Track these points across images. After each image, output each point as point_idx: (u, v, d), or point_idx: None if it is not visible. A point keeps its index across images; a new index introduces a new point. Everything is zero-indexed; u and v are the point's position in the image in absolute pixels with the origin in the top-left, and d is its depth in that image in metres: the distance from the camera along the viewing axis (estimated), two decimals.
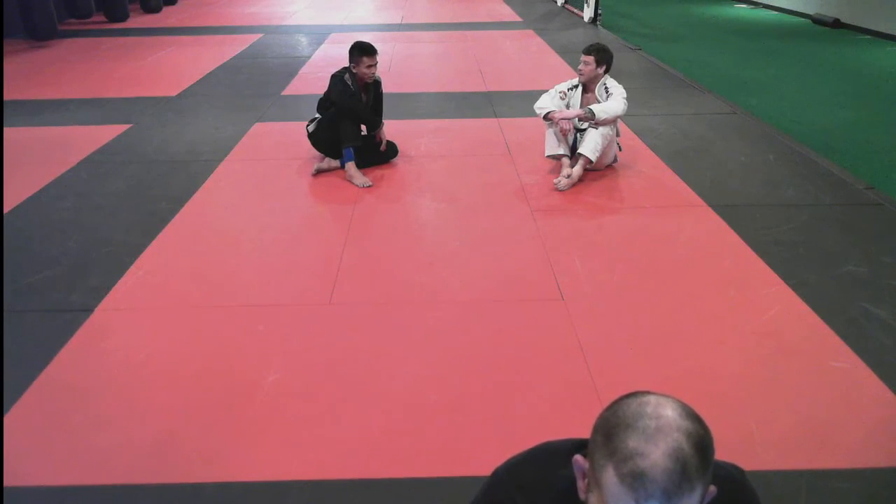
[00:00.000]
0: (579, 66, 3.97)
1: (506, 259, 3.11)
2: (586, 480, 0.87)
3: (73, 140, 4.83)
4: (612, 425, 0.83)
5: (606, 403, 0.88)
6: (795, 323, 2.58)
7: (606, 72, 3.98)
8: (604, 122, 3.86)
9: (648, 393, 0.86)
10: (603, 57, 3.91)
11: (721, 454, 1.94)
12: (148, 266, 3.07)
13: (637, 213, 3.59)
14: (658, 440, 0.79)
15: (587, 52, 3.92)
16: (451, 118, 5.34)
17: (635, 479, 0.78)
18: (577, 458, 0.90)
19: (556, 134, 4.01)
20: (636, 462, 0.78)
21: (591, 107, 3.83)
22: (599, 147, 3.87)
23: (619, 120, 4.05)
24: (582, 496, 0.88)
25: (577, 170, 3.88)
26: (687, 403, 0.85)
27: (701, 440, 0.81)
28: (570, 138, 4.03)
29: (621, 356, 2.32)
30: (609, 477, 0.80)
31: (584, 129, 3.97)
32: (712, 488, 0.85)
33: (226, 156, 4.49)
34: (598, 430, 0.84)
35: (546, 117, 3.96)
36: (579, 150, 3.90)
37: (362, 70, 3.99)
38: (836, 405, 2.13)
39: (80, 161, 4.40)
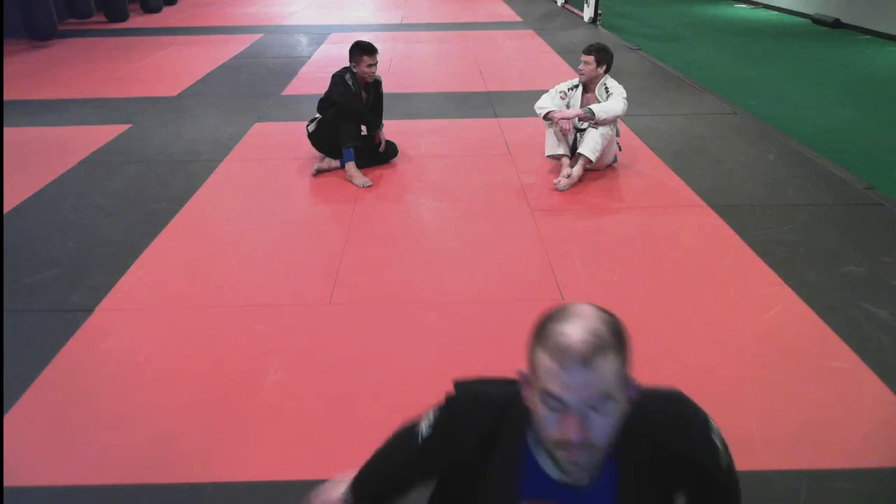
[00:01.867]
0: (579, 66, 3.97)
1: (506, 259, 3.11)
2: (527, 382, 1.03)
3: (73, 140, 4.83)
4: (543, 323, 1.00)
5: None
6: (795, 323, 2.58)
7: (607, 72, 3.98)
8: (604, 122, 3.86)
9: (572, 303, 1.03)
10: (603, 57, 3.91)
11: None
12: (148, 266, 3.07)
13: (637, 213, 3.59)
14: (577, 323, 0.96)
15: (587, 51, 3.92)
16: (451, 118, 5.34)
17: (559, 351, 0.94)
18: (519, 370, 1.05)
19: (556, 134, 4.01)
20: (559, 338, 0.95)
21: (590, 107, 3.83)
22: (599, 147, 3.87)
23: (619, 120, 4.05)
24: (527, 400, 1.03)
25: (577, 170, 3.88)
26: (603, 307, 1.01)
27: (614, 324, 0.99)
28: (570, 138, 4.03)
29: None
30: (540, 357, 0.97)
31: (584, 129, 3.97)
32: (636, 381, 1.02)
33: (226, 156, 4.49)
34: (533, 331, 1.01)
35: (546, 117, 3.96)
36: (579, 150, 3.90)
37: (363, 69, 3.99)
38: (836, 405, 2.13)
39: (80, 161, 4.40)
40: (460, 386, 1.18)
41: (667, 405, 1.15)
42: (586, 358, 0.94)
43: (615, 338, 0.97)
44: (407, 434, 1.26)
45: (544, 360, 0.96)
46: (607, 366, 0.95)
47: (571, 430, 0.95)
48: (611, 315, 1.00)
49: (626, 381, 0.98)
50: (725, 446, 1.17)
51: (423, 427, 1.20)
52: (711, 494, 1.19)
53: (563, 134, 3.96)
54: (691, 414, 1.16)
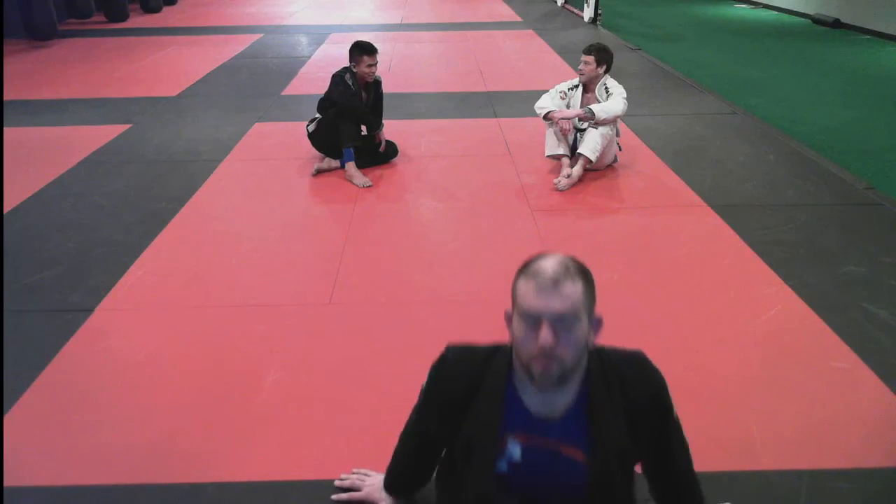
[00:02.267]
0: (579, 66, 3.97)
1: (506, 259, 3.11)
2: (509, 321, 1.23)
3: (73, 140, 4.83)
4: (525, 263, 1.22)
5: None
6: (795, 323, 2.58)
7: (607, 72, 3.98)
8: (604, 122, 3.86)
9: None
10: (603, 57, 3.91)
11: (721, 454, 1.93)
12: (148, 266, 3.07)
13: (637, 213, 3.59)
14: (550, 258, 1.20)
15: (587, 51, 3.92)
16: (451, 118, 5.34)
17: (534, 275, 1.18)
18: (505, 311, 1.26)
19: (556, 134, 4.01)
20: (535, 267, 1.19)
21: (590, 106, 3.83)
22: (599, 147, 3.87)
23: (619, 120, 4.05)
24: (510, 335, 1.23)
25: (577, 170, 3.88)
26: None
27: (581, 265, 1.21)
28: (570, 138, 4.03)
29: None
30: (520, 284, 1.20)
31: (584, 129, 3.97)
32: (601, 317, 1.25)
33: (226, 156, 4.49)
34: (517, 271, 1.23)
35: (546, 117, 3.96)
36: (579, 150, 3.90)
37: (363, 69, 3.99)
38: (836, 405, 2.13)
39: (80, 161, 4.40)
40: (451, 347, 1.38)
41: (632, 357, 1.34)
42: (556, 280, 1.16)
43: (581, 273, 1.20)
44: (414, 409, 1.51)
45: (522, 285, 1.19)
46: (574, 289, 1.17)
47: (543, 338, 1.14)
48: (580, 261, 1.22)
49: (590, 310, 1.21)
50: (677, 418, 1.36)
51: (423, 387, 1.41)
52: (674, 439, 1.36)
53: (563, 134, 3.96)
54: (653, 369, 1.34)
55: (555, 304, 1.15)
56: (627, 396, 1.27)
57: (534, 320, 1.16)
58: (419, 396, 1.44)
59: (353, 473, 1.82)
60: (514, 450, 1.27)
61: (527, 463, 1.26)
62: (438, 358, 1.38)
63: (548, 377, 1.18)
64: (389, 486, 1.68)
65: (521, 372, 1.24)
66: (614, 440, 1.25)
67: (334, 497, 1.77)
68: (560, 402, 1.25)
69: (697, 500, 1.43)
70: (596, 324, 1.24)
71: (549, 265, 1.17)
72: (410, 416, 1.55)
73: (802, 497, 1.79)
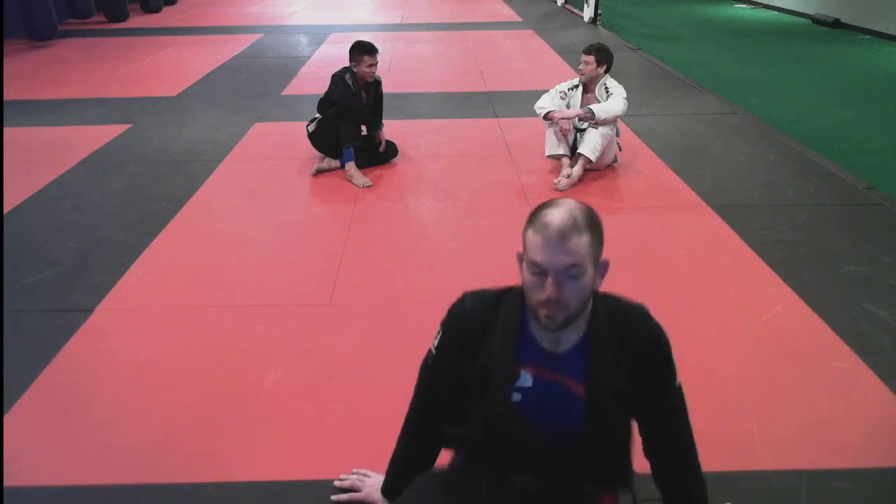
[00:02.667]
0: (579, 66, 3.97)
1: (506, 259, 3.10)
2: (521, 260, 1.29)
3: (73, 140, 4.83)
4: (535, 210, 1.26)
5: None
6: (795, 323, 2.58)
7: (607, 71, 3.98)
8: (604, 122, 3.86)
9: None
10: (603, 57, 3.91)
11: (721, 454, 1.93)
12: (148, 266, 3.07)
13: (637, 213, 3.59)
14: (559, 208, 1.22)
15: (587, 51, 3.92)
16: (451, 118, 5.34)
17: (542, 228, 1.21)
18: (517, 251, 1.31)
19: (556, 134, 4.01)
20: (544, 218, 1.22)
21: (590, 106, 3.83)
22: (599, 147, 3.87)
23: (619, 120, 4.05)
24: (521, 276, 1.29)
25: (577, 170, 3.88)
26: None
27: (589, 212, 1.25)
28: (570, 138, 4.03)
29: None
30: (529, 235, 1.24)
31: (584, 129, 3.97)
32: (607, 261, 1.29)
33: (226, 156, 4.49)
34: (528, 217, 1.27)
35: (546, 117, 3.96)
36: (579, 150, 3.90)
37: (363, 69, 3.99)
38: (836, 405, 2.13)
39: (80, 161, 4.40)
40: (468, 293, 1.44)
41: (636, 309, 1.40)
42: (563, 235, 1.19)
43: (588, 221, 1.23)
44: (422, 377, 1.54)
45: (531, 236, 1.23)
46: (580, 242, 1.20)
47: (549, 290, 1.21)
48: (589, 208, 1.26)
49: (596, 258, 1.25)
50: (676, 376, 1.41)
51: (434, 346, 1.46)
52: (669, 398, 1.40)
53: (562, 134, 3.96)
54: (655, 323, 1.40)
55: (560, 258, 1.20)
56: (627, 342, 1.33)
57: (540, 271, 1.22)
58: (422, 367, 1.50)
59: (353, 474, 1.82)
60: (526, 379, 1.33)
61: (536, 392, 1.34)
62: (456, 302, 1.44)
63: (553, 322, 1.25)
64: (387, 490, 1.66)
65: (531, 311, 1.29)
66: (610, 378, 1.32)
67: (334, 498, 1.77)
68: (567, 339, 1.32)
69: (692, 472, 1.45)
70: (602, 268, 1.29)
71: (557, 217, 1.20)
72: (411, 406, 1.57)
73: (802, 497, 1.79)
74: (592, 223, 1.24)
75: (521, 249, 1.28)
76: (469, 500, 1.38)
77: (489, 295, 1.41)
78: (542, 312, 1.24)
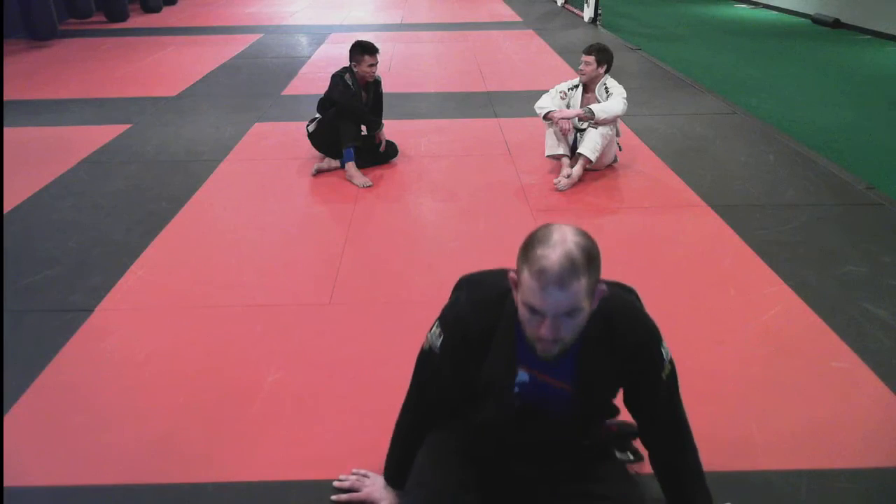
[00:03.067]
0: (580, 67, 3.96)
1: (506, 259, 3.10)
2: (516, 286, 1.29)
3: (73, 140, 4.83)
4: (528, 244, 1.24)
5: None
6: (795, 323, 2.58)
7: (607, 72, 3.98)
8: (603, 122, 3.86)
9: (555, 224, 1.26)
10: (603, 57, 3.91)
11: (721, 454, 1.93)
12: (148, 266, 3.07)
13: (637, 213, 3.59)
14: (556, 247, 1.19)
15: (588, 52, 3.92)
16: (451, 118, 5.34)
17: (539, 274, 1.19)
18: (510, 274, 1.32)
19: (556, 134, 4.01)
20: (541, 262, 1.19)
21: (590, 106, 3.83)
22: (599, 147, 3.87)
23: (619, 120, 4.05)
24: (515, 298, 1.31)
25: (577, 170, 3.88)
26: (582, 230, 1.26)
27: (587, 249, 1.22)
28: (570, 138, 4.03)
29: None
30: (525, 276, 1.22)
31: (584, 129, 3.97)
32: (603, 287, 1.30)
33: (226, 156, 4.49)
34: (521, 248, 1.26)
35: (546, 117, 3.96)
36: (579, 150, 3.90)
37: (363, 69, 3.99)
38: (836, 405, 2.13)
39: (80, 161, 4.40)
40: (465, 280, 1.52)
41: (626, 309, 1.45)
42: (562, 280, 1.19)
43: (586, 260, 1.21)
44: (421, 368, 1.59)
45: (527, 279, 1.22)
46: (578, 286, 1.20)
47: (546, 332, 1.24)
48: (586, 238, 1.24)
49: (593, 290, 1.26)
50: (672, 364, 1.47)
51: (436, 345, 1.49)
52: (658, 392, 1.46)
53: (562, 134, 3.96)
54: (644, 322, 1.46)
55: (558, 304, 1.21)
56: (616, 346, 1.40)
57: (537, 314, 1.24)
58: (432, 350, 1.51)
59: (353, 475, 1.82)
60: (524, 376, 1.44)
61: (531, 387, 1.44)
62: (455, 302, 1.49)
63: (549, 354, 1.30)
64: (391, 477, 1.69)
65: (526, 335, 1.34)
66: (598, 381, 1.43)
67: (334, 498, 1.77)
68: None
69: (686, 452, 1.53)
70: (598, 294, 1.30)
71: (555, 263, 1.18)
72: (409, 393, 1.63)
73: (802, 497, 1.79)
74: (590, 260, 1.22)
75: (514, 270, 1.29)
76: (477, 475, 1.49)
77: (490, 298, 1.42)
78: (538, 346, 1.29)
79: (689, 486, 1.51)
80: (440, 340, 1.48)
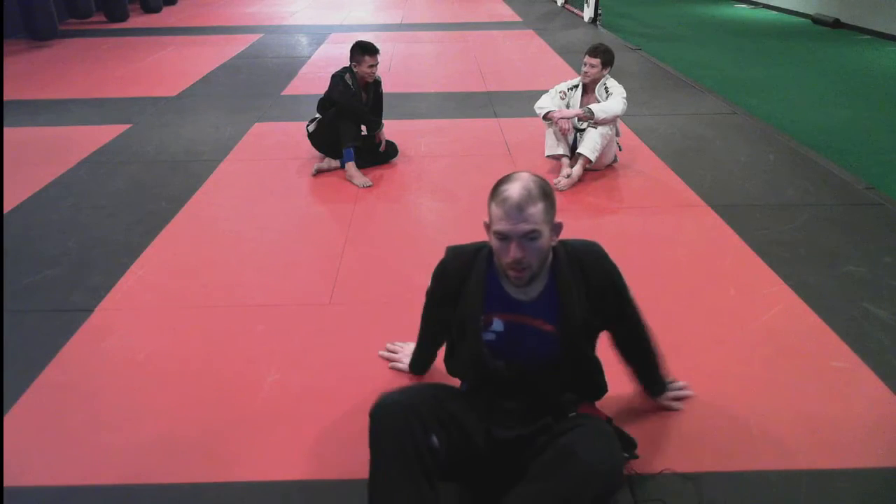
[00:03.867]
0: (584, 69, 3.94)
1: None
2: (488, 228, 1.57)
3: (73, 140, 4.83)
4: (494, 186, 1.56)
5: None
6: (795, 323, 2.58)
7: (608, 71, 3.98)
8: (603, 122, 3.86)
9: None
10: (608, 58, 3.91)
11: (722, 454, 1.93)
12: (148, 266, 3.07)
13: (637, 213, 3.59)
14: (515, 182, 1.51)
15: (593, 54, 3.90)
16: (451, 118, 5.34)
17: (503, 201, 1.49)
18: (484, 221, 1.58)
19: (555, 134, 4.01)
20: (503, 193, 1.50)
21: (590, 106, 3.83)
22: (598, 146, 3.87)
23: (619, 120, 4.05)
24: (489, 241, 1.60)
25: (577, 170, 3.88)
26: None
27: (542, 183, 1.53)
28: (570, 138, 4.03)
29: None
30: (492, 209, 1.53)
31: (584, 129, 3.97)
32: (560, 223, 1.59)
33: (226, 156, 4.49)
34: (491, 192, 1.55)
35: (545, 117, 3.96)
36: (579, 150, 3.90)
37: (363, 69, 3.98)
38: (836, 405, 2.13)
39: (80, 161, 4.40)
40: (449, 248, 1.76)
41: (590, 249, 1.70)
42: (521, 206, 1.47)
43: (541, 191, 1.51)
44: (423, 311, 1.97)
45: (494, 210, 1.52)
46: (535, 211, 1.48)
47: (512, 253, 1.50)
48: (542, 179, 1.55)
49: (551, 221, 1.54)
50: (631, 296, 1.78)
51: (428, 289, 1.84)
52: (628, 319, 1.79)
53: (562, 133, 3.96)
54: (608, 259, 1.71)
55: (520, 226, 1.48)
56: (587, 280, 1.64)
57: (504, 238, 1.51)
58: (425, 297, 1.89)
59: (388, 346, 2.37)
60: (498, 324, 1.65)
61: (508, 334, 1.65)
62: (440, 261, 1.76)
63: (521, 280, 1.56)
64: (411, 369, 2.24)
65: (501, 271, 1.60)
66: (577, 315, 1.62)
67: (381, 353, 2.35)
68: (534, 289, 1.63)
69: (655, 362, 1.95)
70: (556, 229, 1.58)
71: (515, 191, 1.48)
72: (421, 319, 2.00)
73: (802, 497, 1.79)
74: (545, 193, 1.52)
75: (487, 219, 1.56)
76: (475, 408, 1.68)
77: (467, 251, 1.70)
78: (511, 273, 1.54)
79: (654, 372, 1.98)
80: (429, 287, 1.81)
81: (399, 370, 2.28)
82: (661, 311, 2.66)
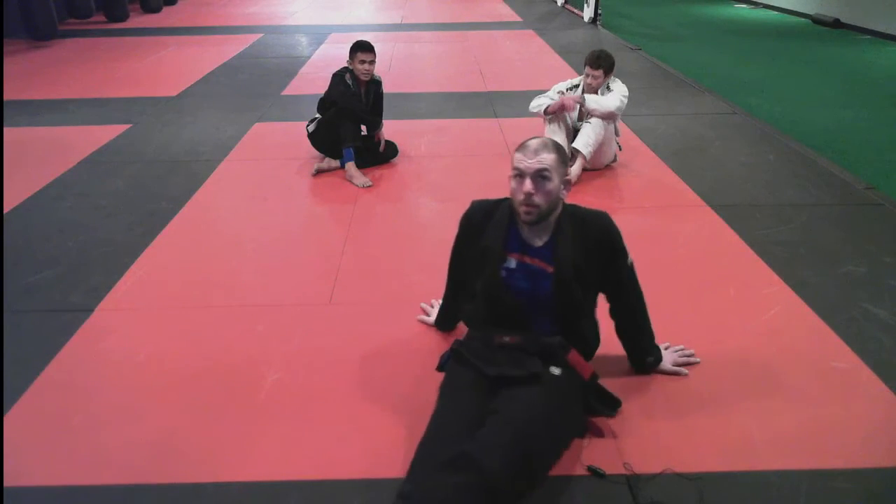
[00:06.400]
0: (587, 80, 3.92)
1: None
2: (511, 179, 1.89)
3: (73, 140, 4.83)
4: (522, 142, 1.90)
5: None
6: (795, 323, 2.58)
7: (611, 76, 3.99)
8: (594, 113, 3.84)
9: None
10: (610, 65, 3.91)
11: (721, 454, 1.93)
12: (148, 266, 3.07)
13: (637, 213, 3.59)
14: (536, 138, 1.89)
15: (595, 66, 3.87)
16: (451, 118, 5.34)
17: (523, 147, 1.87)
18: (509, 175, 1.90)
19: (555, 133, 4.00)
20: (525, 142, 1.88)
21: (585, 95, 3.85)
22: (592, 141, 3.86)
23: (618, 119, 4.04)
24: (510, 190, 1.91)
25: (576, 168, 3.88)
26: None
27: (557, 144, 1.89)
28: (574, 116, 4.00)
29: (621, 356, 2.32)
30: (514, 155, 1.88)
31: (580, 128, 3.97)
32: (570, 179, 1.94)
33: (226, 156, 4.49)
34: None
35: (546, 111, 3.95)
36: (573, 145, 3.89)
37: (356, 66, 3.97)
38: (836, 405, 2.13)
39: (80, 161, 4.40)
40: (476, 200, 2.10)
41: (595, 211, 1.99)
42: (536, 150, 1.84)
43: (556, 147, 1.87)
44: (449, 262, 2.25)
45: (515, 155, 1.88)
46: (549, 156, 1.84)
47: (526, 186, 1.83)
48: (559, 144, 1.90)
49: (562, 174, 1.87)
50: (632, 264, 2.05)
51: (456, 234, 2.14)
52: (624, 285, 2.06)
53: (567, 109, 3.92)
54: (609, 220, 1.99)
55: (534, 164, 1.82)
56: (586, 233, 1.93)
57: (520, 174, 1.84)
58: (452, 246, 2.20)
59: (422, 305, 2.63)
60: (511, 262, 1.95)
61: (518, 271, 1.94)
62: (465, 212, 2.10)
63: (530, 217, 1.86)
64: (438, 324, 2.50)
65: (516, 213, 1.91)
66: (570, 258, 1.90)
67: (419, 318, 2.59)
68: (542, 236, 1.94)
69: (646, 332, 2.18)
70: (566, 184, 1.91)
71: (534, 140, 1.87)
72: (448, 270, 2.26)
73: (802, 497, 1.79)
74: (558, 149, 1.88)
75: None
76: (469, 351, 1.95)
77: (489, 203, 2.04)
78: (522, 210, 1.85)
79: (645, 343, 2.18)
80: (456, 234, 2.12)
81: (425, 323, 2.55)
82: (661, 311, 2.66)
